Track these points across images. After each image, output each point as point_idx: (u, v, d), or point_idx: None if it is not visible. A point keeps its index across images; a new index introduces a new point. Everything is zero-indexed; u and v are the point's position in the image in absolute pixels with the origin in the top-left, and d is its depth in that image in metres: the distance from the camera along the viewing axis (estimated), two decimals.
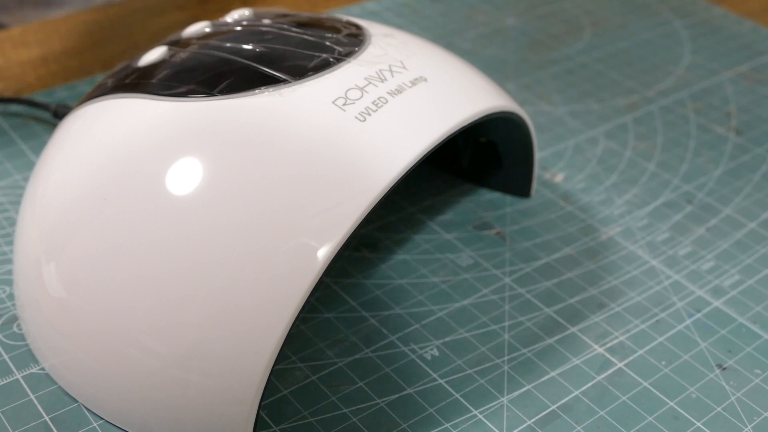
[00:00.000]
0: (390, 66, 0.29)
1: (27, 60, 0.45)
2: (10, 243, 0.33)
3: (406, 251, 0.34)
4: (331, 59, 0.29)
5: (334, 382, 0.29)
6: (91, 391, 0.27)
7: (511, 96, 0.35)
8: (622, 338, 0.31)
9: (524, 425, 0.28)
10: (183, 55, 0.30)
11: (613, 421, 0.28)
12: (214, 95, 0.28)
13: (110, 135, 0.28)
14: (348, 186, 0.26)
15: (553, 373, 0.30)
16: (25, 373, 0.29)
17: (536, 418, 0.28)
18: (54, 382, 0.28)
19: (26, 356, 0.29)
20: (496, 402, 0.29)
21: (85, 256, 0.26)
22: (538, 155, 0.39)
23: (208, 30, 0.32)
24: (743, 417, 0.28)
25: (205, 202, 0.25)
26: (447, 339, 0.31)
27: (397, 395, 0.29)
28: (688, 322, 0.32)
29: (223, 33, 0.31)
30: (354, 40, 0.31)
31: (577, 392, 0.29)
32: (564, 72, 0.46)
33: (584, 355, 0.30)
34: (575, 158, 0.40)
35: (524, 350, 0.30)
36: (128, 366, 0.26)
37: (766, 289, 0.33)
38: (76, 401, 0.28)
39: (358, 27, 0.32)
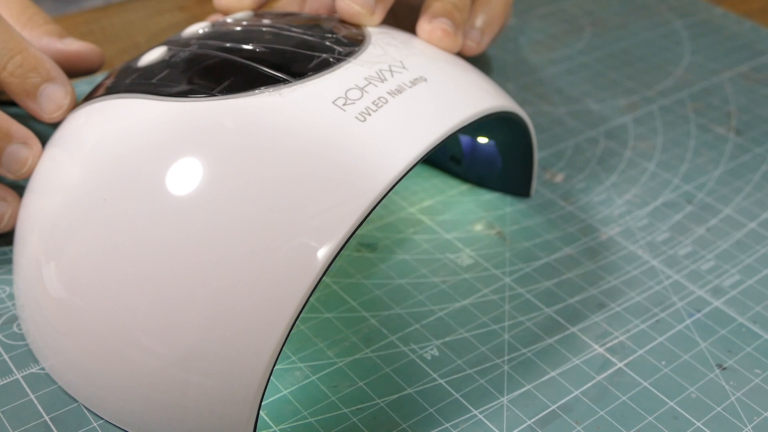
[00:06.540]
0: (390, 66, 0.29)
1: None
2: (10, 243, 0.33)
3: (406, 251, 0.34)
4: (331, 59, 0.29)
5: (334, 382, 0.29)
6: (91, 391, 0.27)
7: (511, 96, 0.34)
8: (622, 338, 0.31)
9: (524, 425, 0.28)
10: (183, 55, 0.30)
11: (613, 421, 0.28)
12: (214, 95, 0.28)
13: (110, 135, 0.28)
14: (348, 186, 0.26)
15: (553, 373, 0.30)
16: (25, 373, 0.29)
17: (536, 418, 0.28)
18: (54, 382, 0.28)
19: (26, 356, 0.29)
20: (496, 402, 0.29)
21: (85, 256, 0.26)
22: (538, 155, 0.39)
23: (208, 30, 0.32)
24: (743, 417, 0.28)
25: (205, 202, 0.25)
26: (447, 339, 0.31)
27: (397, 395, 0.29)
28: (688, 322, 0.32)
29: (223, 33, 0.31)
30: (354, 40, 0.31)
31: (577, 392, 0.29)
32: (564, 72, 0.46)
33: (584, 355, 0.30)
34: (575, 158, 0.40)
35: (524, 350, 0.30)
36: (128, 366, 0.26)
37: (766, 289, 0.33)
38: (76, 401, 0.28)
39: (358, 27, 0.32)
